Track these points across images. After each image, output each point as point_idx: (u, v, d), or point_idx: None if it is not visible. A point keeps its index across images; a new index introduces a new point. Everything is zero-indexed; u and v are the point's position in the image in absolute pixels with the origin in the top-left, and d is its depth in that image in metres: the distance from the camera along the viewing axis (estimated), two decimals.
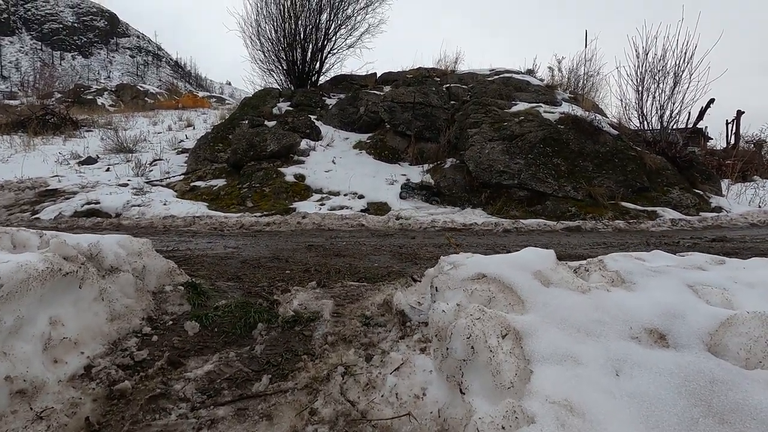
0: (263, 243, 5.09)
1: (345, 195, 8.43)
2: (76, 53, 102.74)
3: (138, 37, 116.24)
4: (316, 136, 11.17)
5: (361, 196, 8.72)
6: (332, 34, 14.81)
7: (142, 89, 46.24)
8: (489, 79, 12.49)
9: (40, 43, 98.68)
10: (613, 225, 7.40)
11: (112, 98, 43.06)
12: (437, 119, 10.92)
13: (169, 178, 10.75)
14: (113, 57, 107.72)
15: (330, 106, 13.01)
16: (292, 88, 14.69)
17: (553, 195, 8.56)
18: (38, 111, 17.92)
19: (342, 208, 8.22)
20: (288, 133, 9.97)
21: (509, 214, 8.28)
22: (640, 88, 9.66)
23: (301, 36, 14.44)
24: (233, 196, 8.84)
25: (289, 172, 9.31)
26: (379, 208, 8.40)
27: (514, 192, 8.68)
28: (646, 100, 9.64)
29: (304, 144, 10.55)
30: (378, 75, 15.02)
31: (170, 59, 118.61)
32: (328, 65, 15.35)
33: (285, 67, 14.99)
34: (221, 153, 10.82)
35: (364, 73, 15.23)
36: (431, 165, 10.11)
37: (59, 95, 40.64)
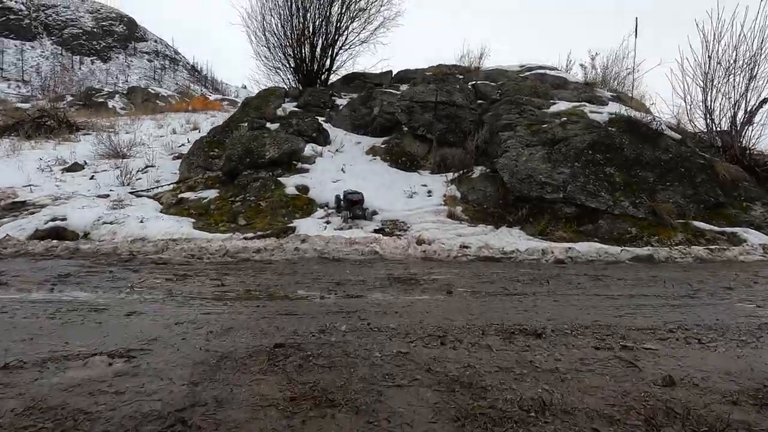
0: (224, 317, 3.07)
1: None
2: (95, 57, 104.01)
3: (156, 41, 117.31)
4: (323, 140, 9.81)
5: (374, 213, 7.31)
6: (344, 28, 13.47)
7: (153, 92, 45.63)
8: (521, 75, 11.01)
9: (60, 47, 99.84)
10: (691, 252, 5.87)
11: (123, 101, 42.59)
12: (462, 121, 9.48)
13: (159, 187, 9.49)
14: (131, 61, 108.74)
15: (340, 107, 11.66)
16: (300, 87, 13.37)
17: (608, 212, 7.05)
18: (34, 113, 17.00)
19: (351, 228, 6.82)
20: (290, 137, 8.62)
21: (555, 235, 6.79)
22: (707, 83, 8.09)
23: (310, 30, 13.11)
24: (224, 212, 7.51)
25: (291, 183, 7.95)
26: (395, 226, 6.98)
27: (559, 208, 7.19)
28: (715, 98, 8.08)
29: (309, 149, 9.19)
30: (394, 73, 13.64)
31: (187, 63, 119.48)
32: (339, 62, 14.01)
33: (292, 65, 13.68)
34: (216, 159, 9.52)
35: (378, 71, 13.87)
36: (456, 174, 8.67)
37: (71, 98, 40.34)
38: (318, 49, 13.44)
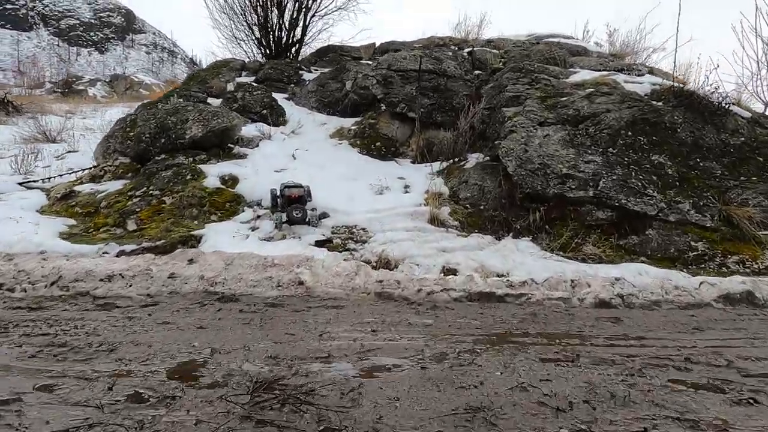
0: None
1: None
2: (92, 49, 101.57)
3: (154, 33, 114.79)
4: (276, 119, 7.63)
5: (323, 216, 5.13)
6: None
7: (137, 80, 43.61)
8: (530, 42, 8.80)
9: (57, 38, 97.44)
10: None
11: (105, 89, 40.48)
12: (455, 95, 7.29)
13: (62, 175, 7.34)
14: (129, 53, 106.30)
15: (307, 82, 9.47)
16: (264, 60, 11.18)
17: (660, 218, 4.88)
18: None
19: (285, 237, 4.65)
20: (222, 112, 6.42)
21: (583, 251, 4.63)
22: None
23: None
24: (114, 211, 5.34)
25: (215, 172, 5.77)
26: (350, 236, 4.81)
27: (588, 211, 5.01)
28: None
29: (252, 130, 7.01)
30: (377, 46, 11.44)
31: (185, 56, 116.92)
32: (312, 32, 11.84)
33: (257, 35, 11.50)
34: None
35: (359, 44, 11.67)
36: (445, 163, 6.50)
37: (50, 85, 38.33)
38: (287, 15, 11.26)
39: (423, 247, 4.54)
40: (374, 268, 3.92)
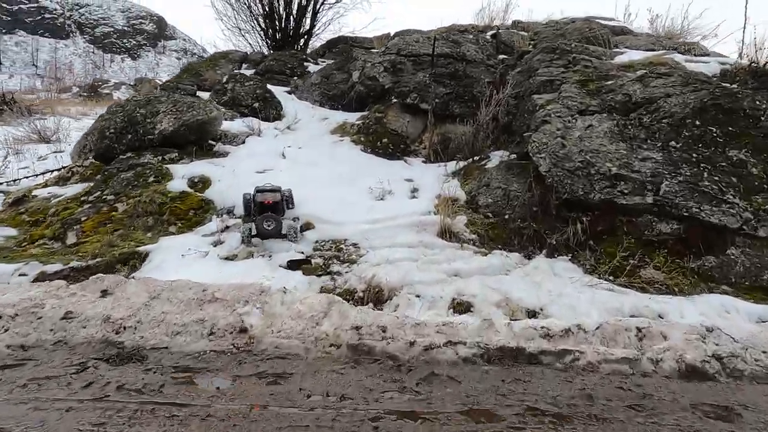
0: None
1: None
2: (125, 55, 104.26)
3: (184, 40, 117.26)
4: (269, 112, 6.68)
5: (306, 227, 4.12)
6: None
7: (160, 83, 43.94)
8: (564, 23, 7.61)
9: (92, 46, 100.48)
10: None
11: (130, 92, 40.85)
12: (475, 83, 6.19)
13: (31, 177, 6.59)
14: (160, 59, 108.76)
15: (312, 74, 8.51)
16: (271, 52, 10.32)
17: (745, 232, 3.67)
18: None
19: (251, 256, 3.65)
20: (199, 103, 5.49)
21: (642, 276, 3.48)
22: None
23: None
24: (59, 221, 4.46)
25: (183, 173, 4.82)
26: (336, 254, 3.77)
27: (646, 223, 3.84)
28: None
29: (239, 125, 6.08)
30: (392, 35, 10.41)
31: None
32: (322, 22, 10.93)
33: (262, 25, 10.65)
34: None
35: (371, 35, 10.69)
36: (463, 163, 5.40)
37: (77, 89, 38.82)
38: (294, 4, 10.36)
39: (428, 270, 3.47)
40: (359, 301, 2.88)
